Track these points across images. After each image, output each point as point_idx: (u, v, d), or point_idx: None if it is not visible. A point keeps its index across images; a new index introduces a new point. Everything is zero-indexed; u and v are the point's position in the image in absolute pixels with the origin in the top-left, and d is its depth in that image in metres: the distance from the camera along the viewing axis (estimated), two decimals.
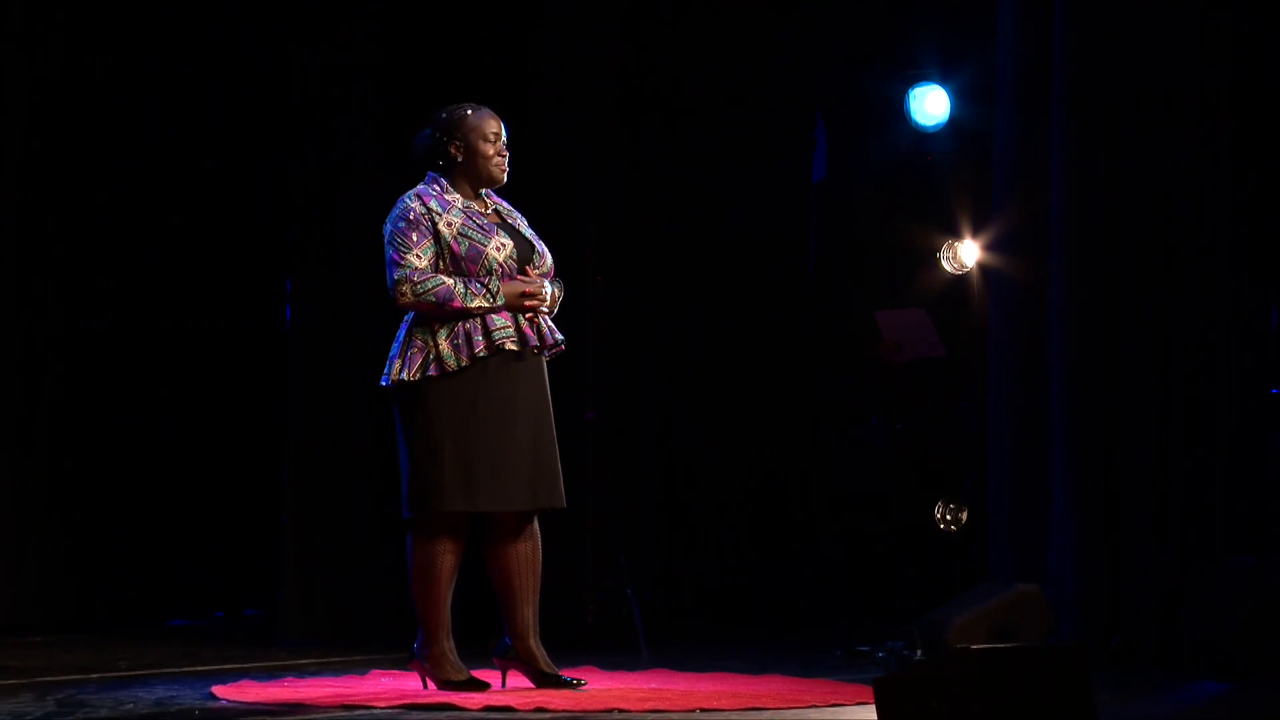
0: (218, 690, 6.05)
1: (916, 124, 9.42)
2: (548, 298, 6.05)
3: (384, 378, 6.02)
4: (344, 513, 8.33)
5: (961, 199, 9.29)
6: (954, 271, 9.32)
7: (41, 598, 8.47)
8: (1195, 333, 7.25)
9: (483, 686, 5.99)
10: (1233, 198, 7.30)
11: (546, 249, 6.15)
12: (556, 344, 6.10)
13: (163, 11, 8.91)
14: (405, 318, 6.04)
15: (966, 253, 9.23)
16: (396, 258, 5.98)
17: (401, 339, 6.01)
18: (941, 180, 9.53)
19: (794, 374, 9.23)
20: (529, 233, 6.17)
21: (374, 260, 8.44)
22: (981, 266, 8.98)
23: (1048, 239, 7.46)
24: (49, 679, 6.42)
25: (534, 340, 6.01)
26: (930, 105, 9.35)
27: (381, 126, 8.50)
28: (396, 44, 8.59)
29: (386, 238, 6.04)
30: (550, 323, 6.10)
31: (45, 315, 8.51)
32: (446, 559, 5.99)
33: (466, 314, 5.93)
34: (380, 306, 8.43)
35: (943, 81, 9.32)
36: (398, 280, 5.96)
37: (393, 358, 6.00)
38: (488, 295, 5.93)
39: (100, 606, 8.70)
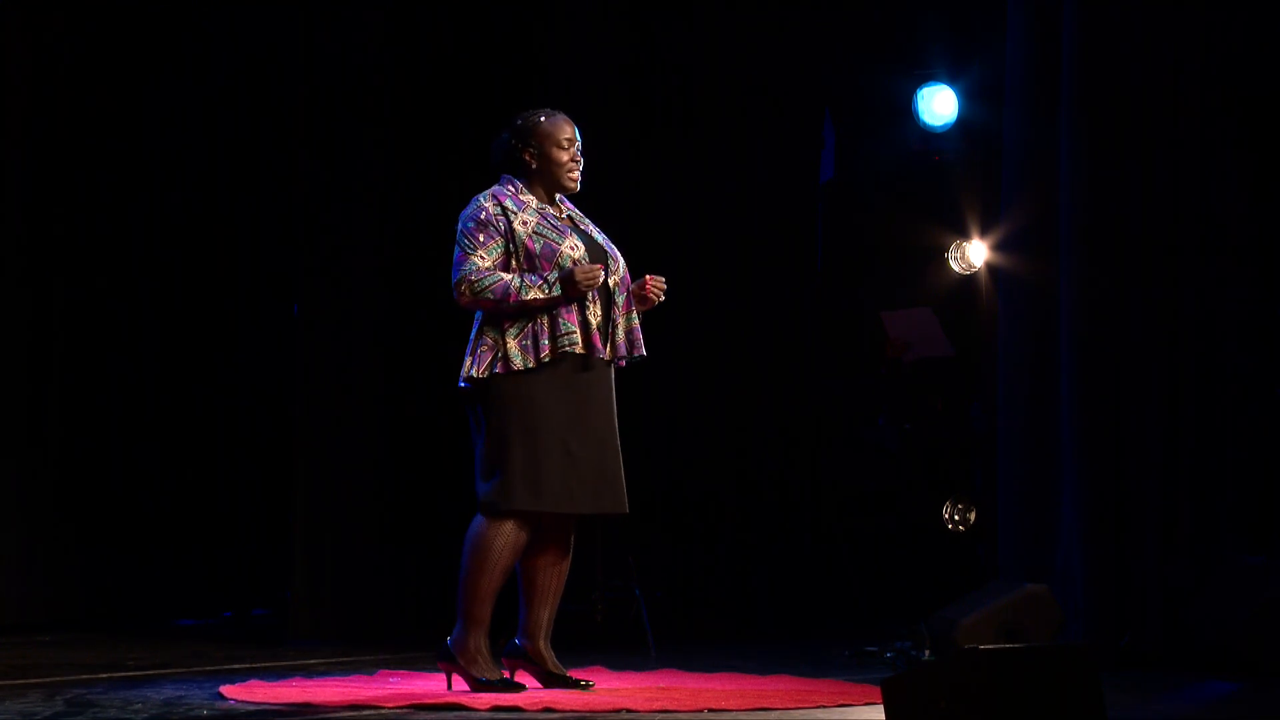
0: (226, 690, 6.05)
1: (925, 123, 9.41)
2: (599, 278, 5.96)
3: (460, 379, 6.00)
4: (353, 513, 8.33)
5: (970, 199, 9.29)
6: (962, 271, 9.32)
7: (50, 597, 8.47)
8: (1204, 332, 7.25)
9: (518, 688, 5.97)
10: (1242, 197, 7.30)
11: (620, 255, 6.14)
12: (633, 358, 6.08)
13: (173, 7, 8.93)
14: (475, 316, 6.03)
15: (975, 252, 9.23)
16: (460, 258, 5.98)
17: (473, 337, 6.01)
18: (950, 180, 9.53)
19: (802, 373, 9.22)
20: (601, 238, 6.15)
21: (383, 258, 8.51)
22: (990, 266, 8.98)
23: (1056, 238, 7.46)
24: (58, 679, 6.42)
25: (602, 351, 5.99)
26: (938, 105, 9.35)
27: (390, 124, 8.51)
28: (405, 40, 8.60)
29: (456, 236, 6.04)
30: (635, 337, 6.08)
31: (53, 315, 8.51)
32: (507, 556, 5.97)
33: (525, 308, 5.90)
34: (390, 305, 8.50)
35: (951, 81, 9.31)
36: (458, 280, 5.96)
37: (465, 356, 6.00)
38: (544, 286, 5.90)
39: (109, 606, 8.70)
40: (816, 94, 9.41)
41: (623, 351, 6.05)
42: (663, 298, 6.14)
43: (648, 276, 6.12)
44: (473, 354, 5.98)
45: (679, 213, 8.96)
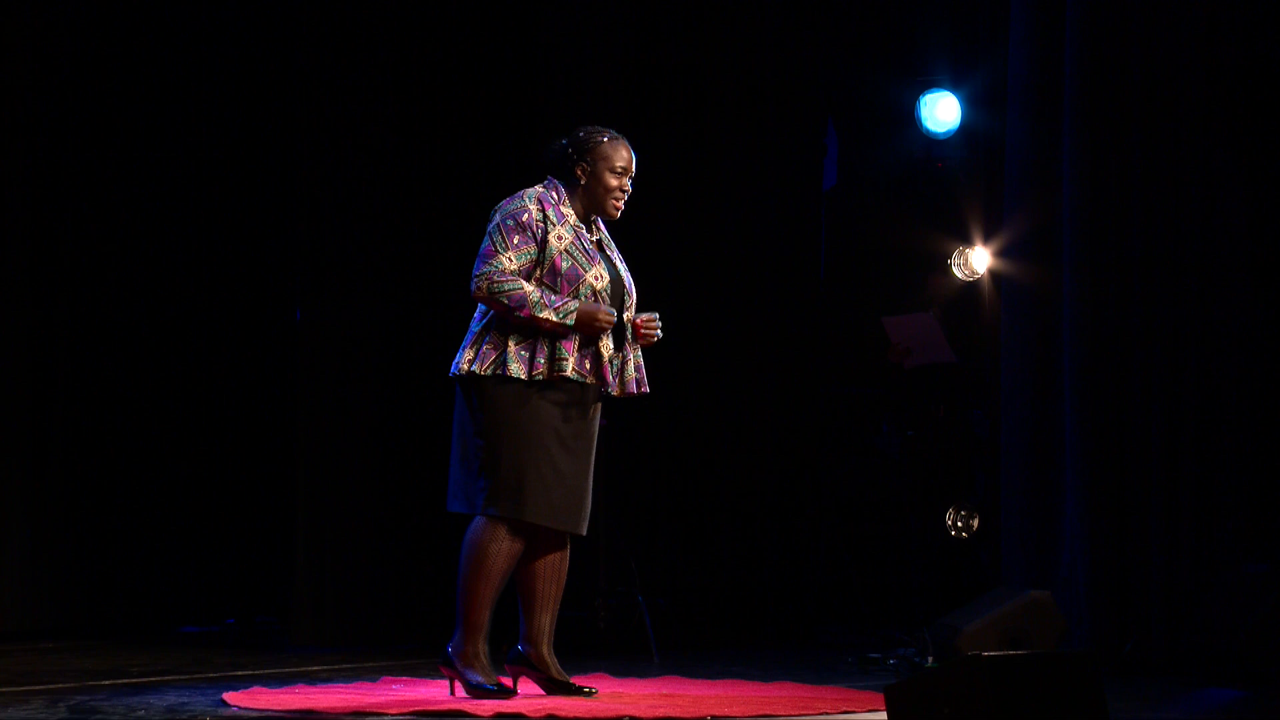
0: (229, 697, 6.05)
1: (927, 130, 9.41)
2: (613, 322, 5.96)
3: (454, 366, 5.98)
4: (355, 519, 8.34)
5: (972, 205, 9.28)
6: (965, 278, 9.31)
7: (54, 604, 8.48)
8: (1206, 338, 7.25)
9: (509, 694, 5.98)
10: (1244, 203, 7.30)
11: (635, 289, 6.13)
12: (639, 394, 6.08)
13: (171, 13, 8.94)
14: (480, 309, 6.01)
15: (977, 259, 9.22)
16: (489, 252, 5.94)
17: (476, 330, 5.98)
18: (952, 187, 9.52)
19: (805, 380, 9.22)
20: (624, 269, 6.14)
21: (385, 263, 8.51)
22: (993, 273, 8.98)
23: (1059, 245, 7.46)
24: (61, 685, 6.43)
25: (612, 386, 6.01)
26: (941, 111, 9.34)
27: (390, 123, 8.51)
28: (404, 43, 8.60)
29: (490, 227, 6.00)
30: (641, 374, 6.07)
31: (56, 325, 8.52)
32: (503, 562, 5.98)
33: (533, 323, 5.89)
34: (392, 311, 8.51)
35: (954, 88, 9.31)
36: (480, 274, 5.91)
37: (464, 346, 5.97)
38: (559, 313, 5.89)
39: (112, 613, 8.71)
40: (819, 101, 9.41)
41: (632, 389, 6.06)
42: (659, 335, 6.09)
43: (639, 319, 6.06)
44: (475, 347, 5.95)
45: (681, 220, 8.96)
